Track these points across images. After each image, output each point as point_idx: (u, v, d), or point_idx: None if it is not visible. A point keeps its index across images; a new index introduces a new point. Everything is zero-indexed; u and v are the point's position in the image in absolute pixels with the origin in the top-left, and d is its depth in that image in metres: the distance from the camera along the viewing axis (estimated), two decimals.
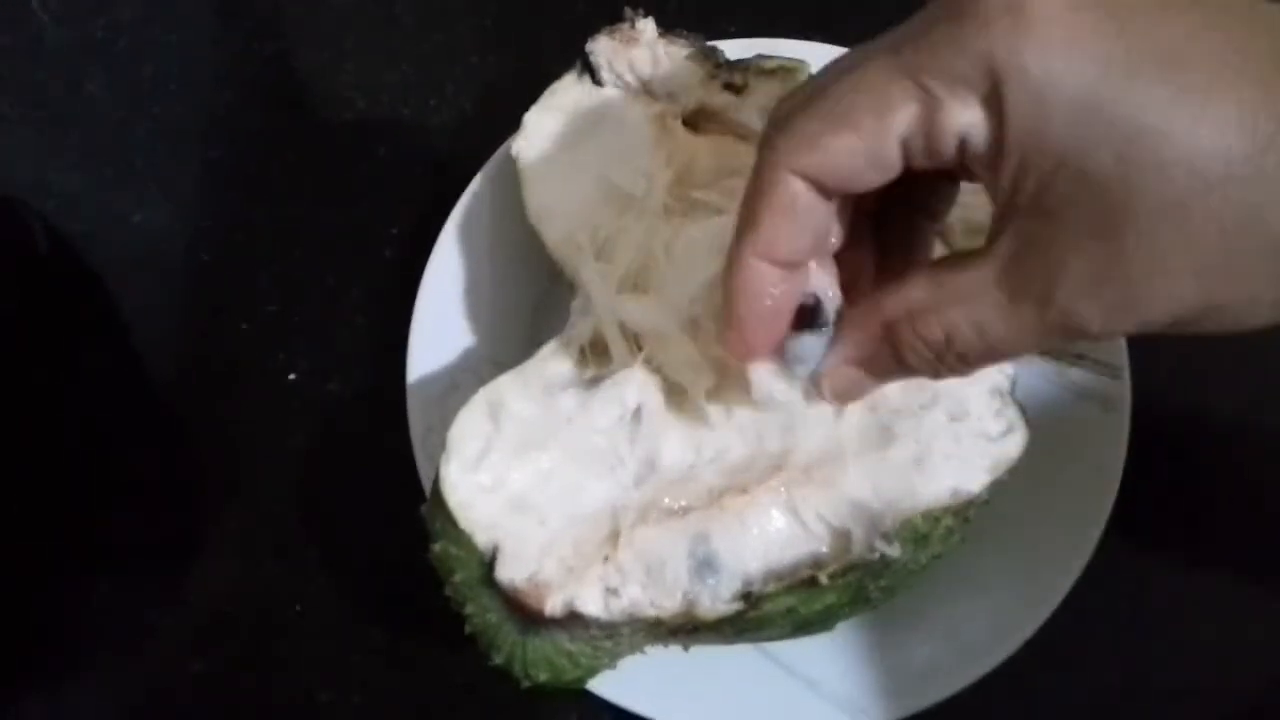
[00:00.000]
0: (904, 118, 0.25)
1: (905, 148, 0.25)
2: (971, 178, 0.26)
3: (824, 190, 0.27)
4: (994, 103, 0.24)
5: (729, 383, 0.35)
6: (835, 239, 0.29)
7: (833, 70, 0.27)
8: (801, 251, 0.28)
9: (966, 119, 0.24)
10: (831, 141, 0.25)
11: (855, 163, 0.25)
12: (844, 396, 0.30)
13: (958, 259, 0.27)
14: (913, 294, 0.27)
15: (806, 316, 0.30)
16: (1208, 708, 0.40)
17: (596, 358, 0.37)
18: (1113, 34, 0.23)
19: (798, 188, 0.26)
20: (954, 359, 0.27)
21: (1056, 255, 0.24)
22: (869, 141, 0.25)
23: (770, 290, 0.28)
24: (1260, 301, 0.24)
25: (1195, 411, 0.44)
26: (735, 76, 0.39)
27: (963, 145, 0.25)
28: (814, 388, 0.31)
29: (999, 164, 0.24)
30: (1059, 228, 0.24)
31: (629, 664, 0.35)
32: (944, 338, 0.27)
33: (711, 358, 0.36)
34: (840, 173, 0.26)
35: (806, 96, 0.26)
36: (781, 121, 0.27)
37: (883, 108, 0.25)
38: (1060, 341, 0.26)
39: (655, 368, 0.36)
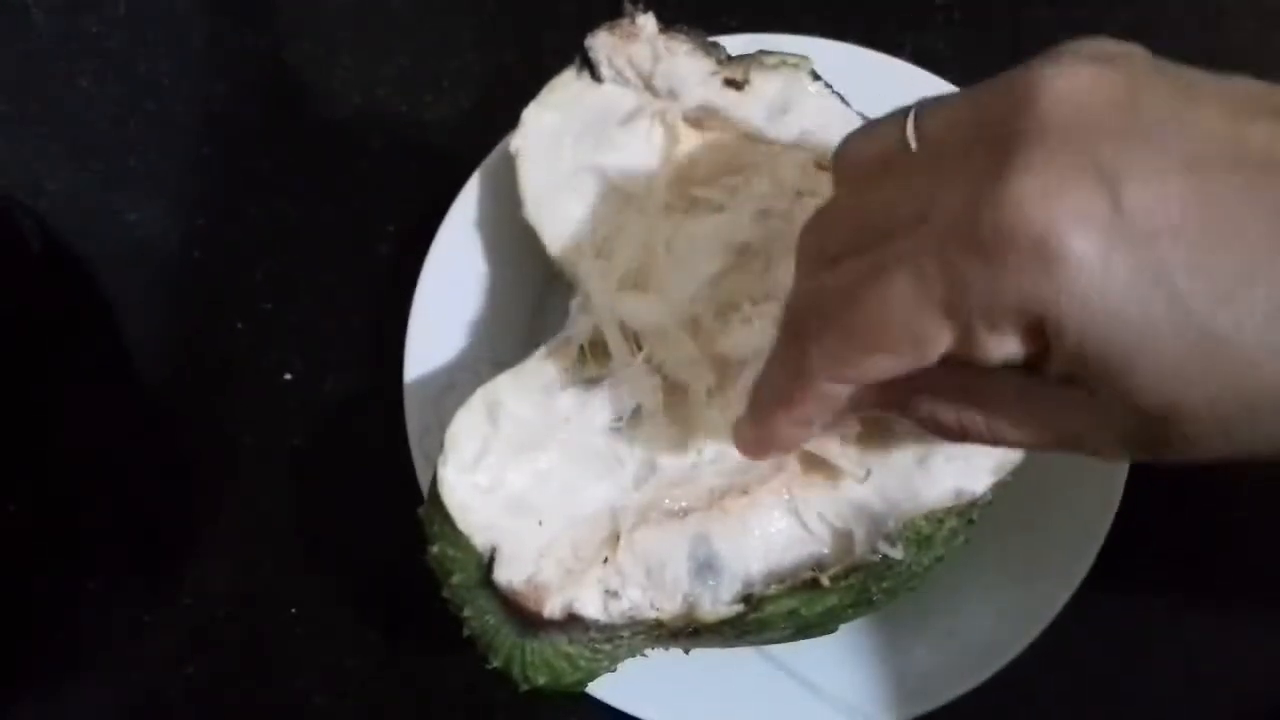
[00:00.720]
0: (942, 346, 0.25)
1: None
2: None
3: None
4: (1033, 337, 0.24)
5: (730, 382, 0.35)
6: None
7: (854, 229, 0.27)
8: (834, 417, 0.29)
9: (1006, 350, 0.24)
10: (868, 363, 0.26)
11: (893, 373, 0.26)
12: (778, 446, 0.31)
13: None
14: (937, 379, 0.27)
15: None
16: (1211, 711, 0.40)
17: (596, 357, 0.37)
18: (1151, 276, 0.22)
19: (835, 390, 0.27)
20: (957, 439, 0.28)
21: (1087, 426, 0.25)
22: (909, 361, 0.25)
23: (800, 439, 0.30)
24: None
25: None
26: (737, 72, 0.39)
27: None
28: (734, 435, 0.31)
29: (1041, 369, 0.25)
30: (1097, 414, 0.25)
31: (629, 667, 0.35)
32: (959, 428, 0.27)
33: (711, 356, 0.36)
34: (877, 379, 0.26)
35: (836, 303, 0.26)
36: (815, 330, 0.26)
37: (919, 338, 0.25)
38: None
39: (655, 367, 0.36)
